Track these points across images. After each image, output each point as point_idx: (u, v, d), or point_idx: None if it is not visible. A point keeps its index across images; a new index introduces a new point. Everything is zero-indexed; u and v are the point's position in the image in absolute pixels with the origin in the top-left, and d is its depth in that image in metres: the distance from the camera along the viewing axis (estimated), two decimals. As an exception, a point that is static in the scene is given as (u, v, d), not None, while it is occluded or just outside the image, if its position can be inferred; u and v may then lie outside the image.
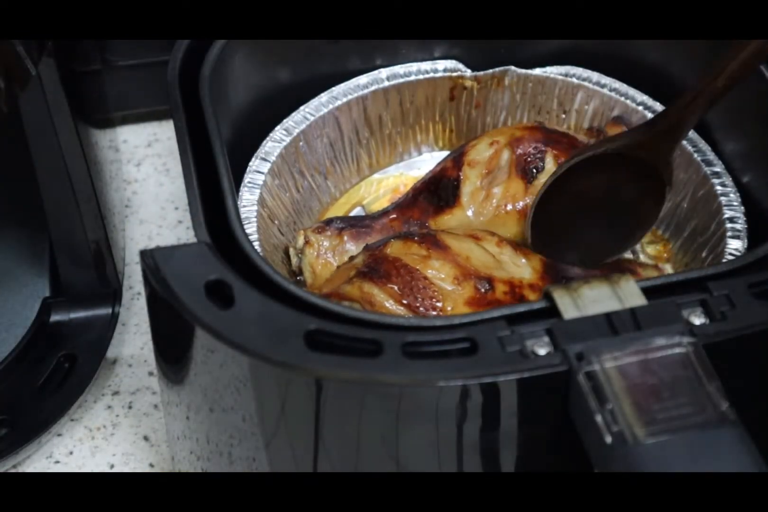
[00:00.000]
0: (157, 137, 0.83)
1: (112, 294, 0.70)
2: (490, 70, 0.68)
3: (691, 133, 0.65)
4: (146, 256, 0.50)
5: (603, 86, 0.67)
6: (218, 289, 0.49)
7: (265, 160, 0.64)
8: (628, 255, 0.66)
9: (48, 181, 0.65)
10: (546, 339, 0.48)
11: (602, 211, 0.61)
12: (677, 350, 0.48)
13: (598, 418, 0.46)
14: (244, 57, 0.63)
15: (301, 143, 0.66)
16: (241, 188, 0.62)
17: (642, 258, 0.66)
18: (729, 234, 0.61)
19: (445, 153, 0.70)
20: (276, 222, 0.64)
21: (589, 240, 0.62)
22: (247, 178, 0.63)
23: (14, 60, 0.56)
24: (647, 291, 0.50)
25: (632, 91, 0.67)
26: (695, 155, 0.64)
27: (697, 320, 0.49)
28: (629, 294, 0.50)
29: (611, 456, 0.46)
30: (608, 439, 0.46)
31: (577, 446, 0.48)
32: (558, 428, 0.49)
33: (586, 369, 0.47)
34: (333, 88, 0.67)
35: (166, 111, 0.60)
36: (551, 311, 0.50)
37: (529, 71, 0.68)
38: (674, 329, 0.48)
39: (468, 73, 0.68)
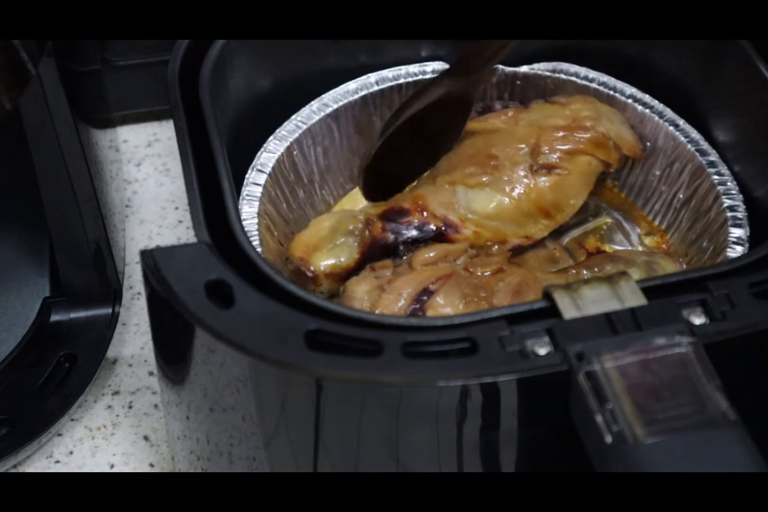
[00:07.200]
0: (157, 137, 0.83)
1: (112, 294, 0.70)
2: None
3: (683, 124, 0.65)
4: (146, 255, 0.50)
5: (591, 80, 0.67)
6: (218, 289, 0.49)
7: (261, 171, 0.63)
8: (626, 246, 0.66)
9: (48, 181, 0.65)
10: (546, 339, 0.48)
11: (418, 141, 0.65)
12: (677, 350, 0.48)
13: (598, 418, 0.46)
14: (244, 57, 0.63)
15: (295, 152, 0.65)
16: (240, 201, 0.62)
17: (640, 250, 0.66)
18: (730, 222, 0.62)
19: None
20: (275, 234, 0.64)
21: (405, 168, 0.66)
22: (245, 190, 0.62)
23: (14, 60, 0.56)
24: (647, 291, 0.50)
25: (620, 85, 0.67)
26: (689, 146, 0.64)
27: (697, 320, 0.49)
28: (629, 294, 0.50)
29: (611, 456, 0.46)
30: (608, 439, 0.46)
31: (577, 446, 0.48)
32: (558, 428, 0.49)
33: (586, 369, 0.47)
34: (323, 96, 0.67)
35: (166, 111, 0.60)
36: (551, 311, 0.50)
37: (517, 69, 0.68)
38: (674, 329, 0.48)
39: (456, 73, 0.68)
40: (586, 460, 0.47)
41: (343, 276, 0.63)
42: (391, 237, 0.63)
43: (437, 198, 0.64)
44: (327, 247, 0.63)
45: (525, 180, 0.64)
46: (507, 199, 0.64)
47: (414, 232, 0.63)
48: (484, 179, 0.64)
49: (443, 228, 0.63)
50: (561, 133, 0.64)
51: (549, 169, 0.64)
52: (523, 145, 0.65)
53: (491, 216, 0.64)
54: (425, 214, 0.64)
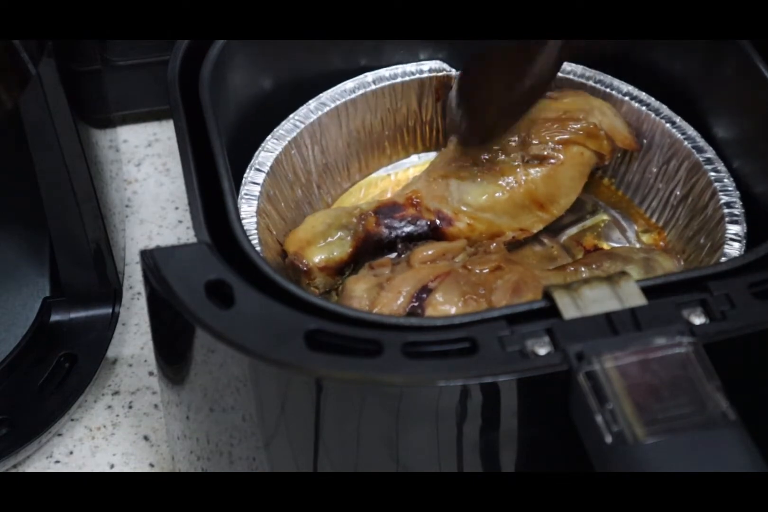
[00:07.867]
0: (157, 137, 0.83)
1: (112, 294, 0.70)
2: None
3: (679, 121, 0.65)
4: (146, 255, 0.50)
5: (588, 78, 0.67)
6: (218, 289, 0.49)
7: (259, 170, 0.63)
8: (623, 244, 0.67)
9: (48, 181, 0.65)
10: (546, 339, 0.48)
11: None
12: (677, 350, 0.48)
13: (598, 418, 0.46)
14: (244, 57, 0.63)
15: (293, 151, 0.65)
16: (239, 200, 0.62)
17: (638, 247, 0.66)
18: (727, 219, 0.62)
19: (432, 154, 0.71)
20: (274, 233, 0.64)
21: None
22: (244, 189, 0.62)
23: (14, 60, 0.56)
24: (647, 291, 0.50)
25: (617, 82, 0.67)
26: (685, 143, 0.65)
27: (697, 320, 0.49)
28: (629, 294, 0.50)
29: (611, 456, 0.46)
30: (608, 439, 0.46)
31: (577, 446, 0.48)
32: (558, 428, 0.49)
33: (586, 369, 0.47)
34: (321, 95, 0.67)
35: (166, 111, 0.60)
36: (551, 311, 0.50)
37: None
38: (674, 329, 0.48)
39: (453, 72, 0.68)
40: (586, 460, 0.47)
41: (337, 269, 0.63)
42: (385, 231, 0.64)
43: (430, 192, 0.65)
44: (321, 241, 0.63)
45: (517, 171, 0.64)
46: (500, 191, 0.64)
47: (408, 226, 0.64)
48: (476, 172, 0.64)
49: (437, 221, 0.64)
50: (552, 125, 0.65)
51: (541, 160, 0.64)
52: (514, 138, 0.65)
53: (484, 208, 0.64)
54: (419, 208, 0.64)
